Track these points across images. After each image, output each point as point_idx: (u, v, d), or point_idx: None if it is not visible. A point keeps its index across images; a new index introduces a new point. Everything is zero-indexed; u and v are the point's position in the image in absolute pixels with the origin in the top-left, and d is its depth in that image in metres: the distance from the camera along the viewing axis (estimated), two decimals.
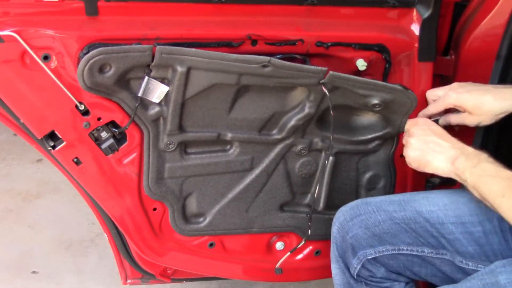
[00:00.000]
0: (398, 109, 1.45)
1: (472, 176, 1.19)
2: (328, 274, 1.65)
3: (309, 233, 1.59)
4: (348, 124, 1.53)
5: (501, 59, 1.49)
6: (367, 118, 1.52)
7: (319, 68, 1.34)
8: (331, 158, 1.52)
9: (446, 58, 1.57)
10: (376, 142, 1.55)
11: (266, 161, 1.52)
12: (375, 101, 1.41)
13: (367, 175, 1.63)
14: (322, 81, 1.35)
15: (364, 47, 1.43)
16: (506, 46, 1.47)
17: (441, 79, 1.61)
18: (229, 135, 1.45)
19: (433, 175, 1.69)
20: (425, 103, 1.49)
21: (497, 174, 1.15)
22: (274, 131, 1.48)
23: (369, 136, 1.53)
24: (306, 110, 1.43)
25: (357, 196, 1.63)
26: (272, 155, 1.52)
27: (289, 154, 1.53)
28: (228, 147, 1.49)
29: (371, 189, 1.65)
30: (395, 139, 1.56)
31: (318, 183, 1.56)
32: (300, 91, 1.41)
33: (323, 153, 1.54)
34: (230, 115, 1.42)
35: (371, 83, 1.39)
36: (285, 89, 1.41)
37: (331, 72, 1.35)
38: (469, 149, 1.25)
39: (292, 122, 1.45)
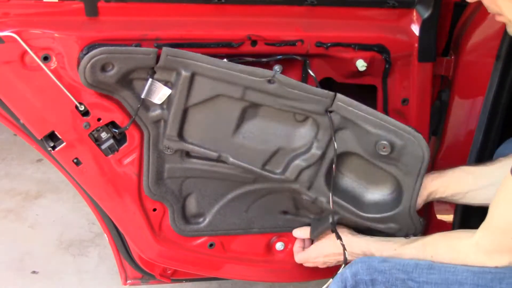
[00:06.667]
0: (410, 164, 1.36)
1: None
2: (328, 274, 1.65)
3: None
4: (358, 196, 1.48)
5: (501, 59, 1.49)
6: (379, 193, 1.47)
7: (327, 91, 1.32)
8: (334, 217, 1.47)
9: (446, 58, 1.57)
10: (391, 225, 1.46)
11: (270, 185, 1.49)
12: (384, 142, 1.34)
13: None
14: (330, 108, 1.33)
15: (364, 47, 1.42)
16: (506, 46, 1.47)
17: (441, 79, 1.61)
18: (230, 160, 1.42)
19: None
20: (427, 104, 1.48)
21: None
22: (278, 170, 1.44)
23: (378, 215, 1.46)
24: (313, 150, 1.40)
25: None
26: (275, 187, 1.49)
27: (294, 191, 1.50)
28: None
29: None
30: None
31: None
32: (308, 128, 1.39)
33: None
34: (233, 138, 1.39)
35: (381, 117, 1.33)
36: (293, 124, 1.39)
37: (338, 94, 1.32)
38: None
39: (297, 162, 1.41)
